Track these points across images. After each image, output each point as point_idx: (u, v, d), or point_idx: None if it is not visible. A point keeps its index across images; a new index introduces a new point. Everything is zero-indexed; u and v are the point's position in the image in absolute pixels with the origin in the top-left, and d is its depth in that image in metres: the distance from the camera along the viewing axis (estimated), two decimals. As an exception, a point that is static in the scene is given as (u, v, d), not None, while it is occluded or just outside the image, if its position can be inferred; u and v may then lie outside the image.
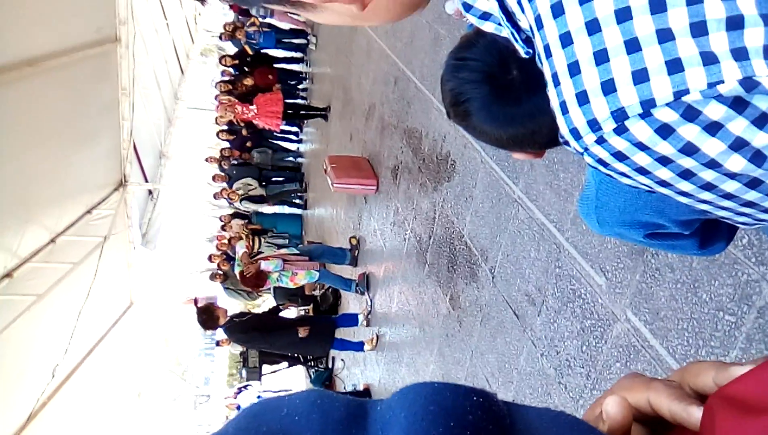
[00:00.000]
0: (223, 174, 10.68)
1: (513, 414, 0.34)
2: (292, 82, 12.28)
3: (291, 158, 12.36)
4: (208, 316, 5.96)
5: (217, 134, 11.27)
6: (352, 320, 6.55)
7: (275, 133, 12.03)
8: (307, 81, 12.41)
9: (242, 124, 10.35)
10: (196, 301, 6.21)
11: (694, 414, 0.41)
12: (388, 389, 5.72)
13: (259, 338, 6.33)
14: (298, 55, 12.74)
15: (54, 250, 5.80)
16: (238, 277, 6.49)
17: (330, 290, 8.13)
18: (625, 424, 0.43)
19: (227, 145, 11.37)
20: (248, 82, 10.80)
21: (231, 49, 12.02)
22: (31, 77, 4.52)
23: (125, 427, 8.91)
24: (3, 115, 4.32)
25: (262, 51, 11.56)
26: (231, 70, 11.48)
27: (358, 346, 6.35)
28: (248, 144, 11.12)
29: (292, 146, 12.86)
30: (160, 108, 9.63)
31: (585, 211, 1.29)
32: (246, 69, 11.21)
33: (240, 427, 0.32)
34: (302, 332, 6.06)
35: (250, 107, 9.46)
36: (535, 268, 2.98)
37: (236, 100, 9.75)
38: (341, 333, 6.63)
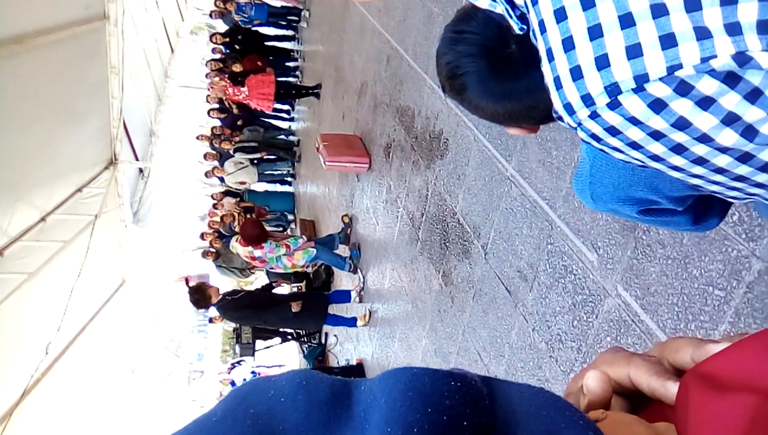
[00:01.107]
0: (214, 152, 10.62)
1: (494, 392, 0.35)
2: (284, 62, 12.16)
3: (283, 136, 12.29)
4: (200, 295, 5.93)
5: (208, 112, 11.19)
6: (344, 296, 6.57)
7: (267, 112, 11.95)
8: (299, 59, 12.30)
9: (233, 106, 10.25)
10: (187, 281, 6.15)
11: (670, 389, 0.42)
12: (381, 364, 5.78)
13: (253, 315, 6.31)
14: (290, 33, 12.61)
15: (44, 228, 5.76)
16: (236, 237, 6.43)
17: (322, 267, 8.15)
18: (605, 397, 0.44)
19: (218, 123, 11.29)
20: (237, 68, 10.67)
21: (221, 27, 11.88)
22: (18, 55, 4.45)
23: (119, 403, 8.95)
24: (-9, 93, 4.27)
25: (253, 28, 11.42)
26: (221, 48, 11.36)
27: (351, 322, 6.39)
28: (239, 122, 11.04)
29: (284, 125, 12.79)
30: (150, 86, 9.52)
31: (579, 186, 1.30)
32: (237, 47, 11.09)
33: (228, 409, 0.33)
34: (295, 307, 6.06)
35: (242, 89, 9.33)
36: (527, 244, 3.01)
37: (228, 82, 9.60)
38: (334, 309, 6.67)
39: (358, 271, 6.44)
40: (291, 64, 12.28)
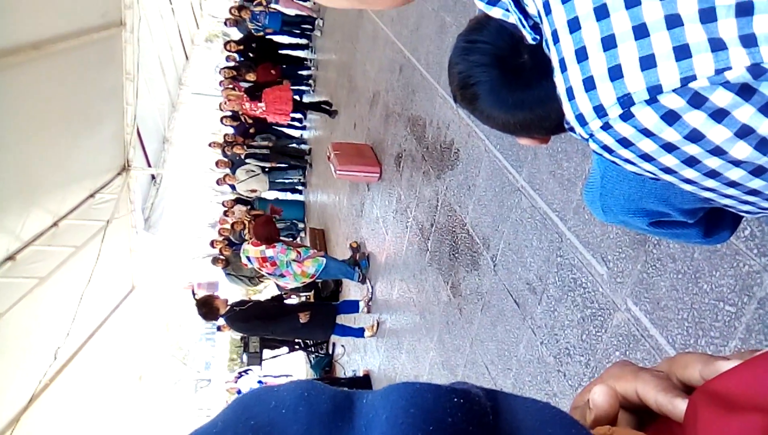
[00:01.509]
0: (226, 160, 10.67)
1: (498, 406, 0.34)
2: (297, 71, 12.24)
3: (294, 145, 12.35)
4: (207, 308, 5.91)
5: (221, 120, 11.27)
6: (353, 307, 6.55)
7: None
8: (312, 68, 12.37)
9: (250, 121, 10.17)
10: (193, 292, 6.13)
11: (678, 406, 0.41)
12: (387, 375, 5.75)
13: (261, 326, 6.29)
14: (303, 41, 12.70)
15: (57, 233, 5.81)
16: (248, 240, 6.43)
17: (331, 277, 8.16)
18: (611, 413, 0.44)
19: (231, 130, 11.36)
20: (251, 77, 10.73)
21: (236, 35, 11.97)
22: (35, 61, 4.51)
23: (127, 410, 8.97)
24: (7, 99, 4.31)
25: (267, 36, 11.51)
26: (235, 55, 11.44)
27: (359, 333, 6.36)
28: (251, 130, 11.11)
29: (296, 133, 12.85)
30: (164, 93, 9.60)
31: (590, 198, 1.29)
32: (251, 55, 11.17)
33: (228, 420, 0.33)
34: (303, 317, 6.04)
35: (259, 104, 9.17)
36: (537, 256, 2.99)
37: (245, 96, 9.48)
38: (342, 319, 6.65)
39: (367, 281, 6.42)
40: (304, 72, 12.35)
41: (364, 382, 6.49)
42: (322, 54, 11.60)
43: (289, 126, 12.49)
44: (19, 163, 4.78)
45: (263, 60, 11.02)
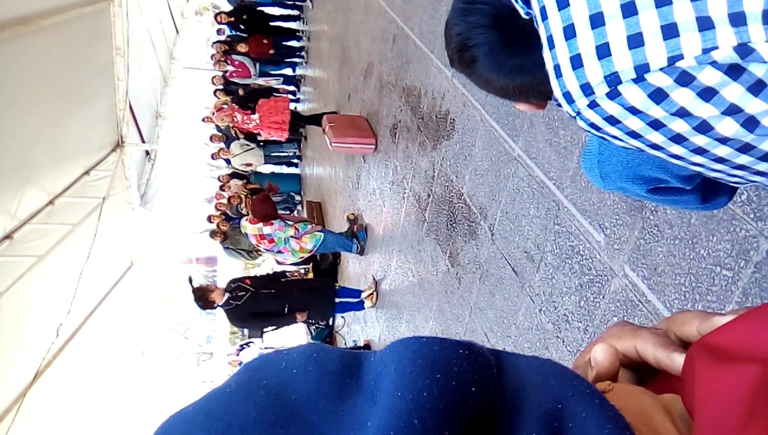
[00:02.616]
0: (220, 134, 10.61)
1: (501, 362, 0.35)
2: (288, 43, 12.10)
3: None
4: (202, 300, 5.88)
5: (214, 93, 11.17)
6: (353, 294, 6.51)
7: (273, 94, 11.91)
8: (304, 39, 12.23)
9: (240, 134, 9.28)
10: (191, 281, 6.07)
11: (676, 360, 0.43)
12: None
13: (258, 324, 6.30)
14: (295, 12, 12.53)
15: (53, 211, 5.81)
16: (246, 217, 6.39)
17: (329, 250, 8.17)
18: (612, 370, 0.46)
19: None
20: (242, 48, 10.57)
21: (226, 6, 11.80)
22: (24, 37, 4.45)
23: (130, 384, 9.07)
24: (-4, 76, 4.27)
25: (258, 7, 11.35)
26: (226, 27, 11.29)
27: (359, 306, 6.37)
28: (247, 102, 11.02)
29: (291, 106, 12.75)
30: (155, 68, 9.50)
31: (588, 165, 1.29)
32: (242, 27, 11.03)
33: (241, 381, 0.34)
34: (300, 317, 6.04)
35: (252, 117, 8.29)
36: (534, 225, 3.00)
37: (236, 107, 8.76)
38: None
39: (372, 277, 6.37)
40: (296, 44, 12.21)
41: (359, 351, 6.56)
42: (314, 25, 11.46)
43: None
44: (12, 142, 4.75)
45: (255, 32, 10.89)
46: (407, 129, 5.15)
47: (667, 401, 0.41)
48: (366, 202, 6.61)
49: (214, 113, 8.98)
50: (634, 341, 0.47)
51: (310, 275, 8.47)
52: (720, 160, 0.67)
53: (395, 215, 5.43)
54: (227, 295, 5.85)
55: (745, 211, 1.79)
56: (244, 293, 5.95)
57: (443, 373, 0.31)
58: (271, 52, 11.04)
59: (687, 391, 0.39)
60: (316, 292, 6.38)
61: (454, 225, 4.04)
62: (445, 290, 4.20)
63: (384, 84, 5.99)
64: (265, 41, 10.67)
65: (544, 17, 0.63)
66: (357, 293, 6.44)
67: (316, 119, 8.03)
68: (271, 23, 11.76)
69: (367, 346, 6.60)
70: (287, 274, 8.16)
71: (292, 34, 12.35)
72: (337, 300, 6.44)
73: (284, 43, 11.89)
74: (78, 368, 6.85)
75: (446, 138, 4.21)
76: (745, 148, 0.63)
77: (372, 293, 6.15)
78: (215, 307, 5.94)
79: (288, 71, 12.24)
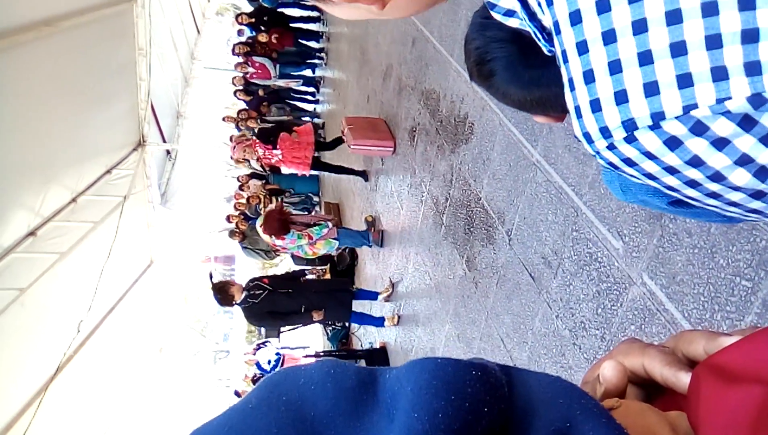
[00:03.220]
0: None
1: (512, 380, 0.36)
2: (308, 43, 12.16)
3: (307, 118, 12.33)
4: (222, 294, 5.95)
5: (234, 94, 11.26)
6: (371, 296, 6.47)
7: (292, 94, 11.99)
8: (324, 40, 12.28)
9: (265, 167, 8.98)
10: (211, 277, 6.14)
11: (683, 379, 0.44)
12: (404, 348, 5.82)
13: (275, 323, 6.35)
14: (315, 14, 12.59)
15: (75, 209, 5.89)
16: (261, 221, 6.41)
17: (347, 250, 8.19)
18: (620, 386, 0.46)
19: (244, 105, 11.37)
20: (262, 38, 10.62)
21: (247, 7, 11.89)
22: (48, 37, 4.52)
23: (148, 380, 9.18)
24: (21, 77, 4.34)
25: (279, 8, 11.42)
26: (246, 28, 11.38)
27: (379, 322, 6.33)
28: (265, 103, 11.11)
29: (309, 107, 12.82)
30: (176, 68, 9.60)
31: (609, 178, 1.29)
32: (262, 28, 11.11)
33: (262, 397, 0.35)
34: (317, 316, 6.04)
35: (274, 151, 7.80)
36: (552, 231, 2.99)
37: (257, 140, 8.26)
38: (360, 306, 6.63)
39: (389, 279, 6.34)
40: (315, 45, 12.27)
41: (380, 353, 6.56)
42: (334, 26, 11.50)
43: (302, 99, 12.46)
44: (36, 141, 4.83)
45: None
46: (426, 132, 5.16)
47: (673, 418, 0.42)
48: (384, 204, 6.62)
49: (234, 147, 8.59)
50: (642, 359, 0.48)
51: (328, 276, 8.50)
52: (733, 204, 0.68)
53: (413, 218, 5.44)
54: (245, 292, 5.91)
55: (766, 222, 1.78)
56: (261, 292, 6.00)
57: (457, 394, 0.32)
58: (291, 48, 11.08)
59: (692, 409, 0.40)
60: (334, 294, 6.38)
61: (471, 229, 4.04)
62: (462, 294, 4.19)
63: (403, 86, 6.00)
64: (285, 35, 10.73)
65: (565, 60, 0.65)
66: (374, 295, 6.44)
67: (336, 142, 7.91)
68: (292, 24, 11.83)
69: (382, 349, 6.61)
70: (306, 272, 8.19)
71: (313, 35, 12.41)
72: (357, 309, 6.42)
73: (304, 42, 11.95)
74: (98, 363, 6.94)
75: (465, 142, 4.21)
76: (758, 195, 0.64)
77: (393, 317, 6.10)
78: (233, 305, 6.00)
79: (308, 72, 12.30)
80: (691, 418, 0.41)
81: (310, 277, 8.22)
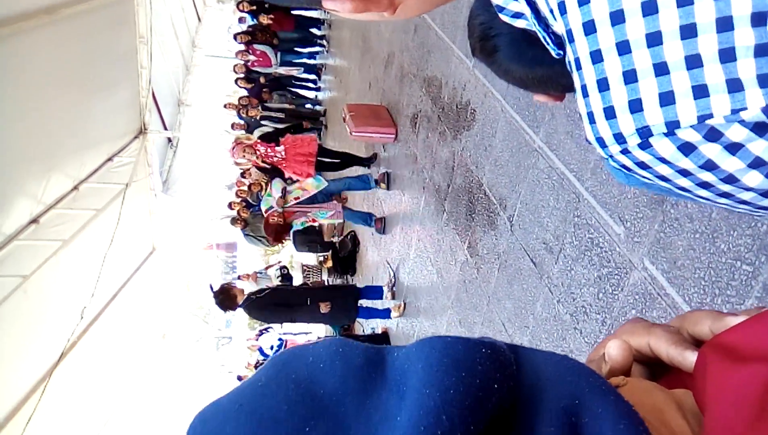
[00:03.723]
0: (242, 122, 10.67)
1: (519, 359, 0.37)
2: (311, 30, 12.10)
3: (309, 105, 12.30)
4: (225, 296, 5.91)
5: (236, 81, 11.22)
6: (376, 292, 6.39)
7: (294, 82, 11.94)
8: (326, 27, 12.22)
9: (267, 166, 8.71)
10: (211, 288, 6.12)
11: (689, 358, 0.44)
12: (406, 333, 5.84)
13: (279, 313, 6.23)
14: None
15: (77, 197, 5.90)
16: (264, 213, 6.40)
17: (349, 237, 8.20)
18: (625, 365, 0.47)
19: (245, 92, 11.33)
20: (264, 19, 10.55)
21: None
22: (48, 25, 4.51)
23: (152, 366, 9.23)
24: (22, 65, 4.33)
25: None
26: (248, 15, 11.32)
27: (385, 314, 6.25)
28: (266, 90, 11.07)
29: (311, 94, 12.77)
30: (177, 56, 9.57)
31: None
32: (264, 15, 11.06)
33: (271, 375, 0.36)
34: (324, 308, 5.95)
35: (277, 148, 7.43)
36: (554, 216, 3.00)
37: (258, 141, 7.92)
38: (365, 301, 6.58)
39: (389, 266, 6.32)
40: (317, 32, 12.21)
41: (382, 338, 6.59)
42: (336, 14, 11.43)
43: (304, 87, 12.41)
44: (38, 129, 4.83)
45: (276, 19, 10.93)
46: (428, 119, 5.15)
47: (679, 396, 0.42)
48: (385, 191, 6.62)
49: (233, 147, 7.91)
50: (647, 338, 0.48)
51: (329, 263, 8.52)
52: (744, 202, 0.70)
53: (415, 205, 5.44)
54: (248, 294, 5.94)
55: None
56: (266, 289, 6.11)
57: (468, 371, 0.33)
58: (292, 33, 11.03)
59: (699, 388, 0.41)
60: (338, 295, 6.38)
61: (473, 215, 4.05)
62: (464, 280, 4.21)
63: (405, 74, 5.98)
64: (286, 19, 10.68)
65: (579, 67, 0.66)
66: (379, 290, 6.36)
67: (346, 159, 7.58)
68: (293, 11, 11.77)
69: (384, 334, 6.64)
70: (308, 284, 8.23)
71: (315, 22, 12.35)
72: (361, 303, 6.38)
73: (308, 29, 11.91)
74: (101, 350, 6.98)
75: (466, 128, 4.21)
76: None
77: (399, 306, 6.05)
78: (236, 307, 5.99)
79: (309, 60, 12.26)
80: (697, 396, 0.41)
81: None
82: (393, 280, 6.19)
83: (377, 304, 6.44)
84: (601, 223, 2.60)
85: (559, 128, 2.97)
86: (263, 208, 6.39)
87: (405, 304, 5.96)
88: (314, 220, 6.36)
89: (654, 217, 2.27)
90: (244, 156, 7.45)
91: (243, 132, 10.48)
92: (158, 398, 9.78)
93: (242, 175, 10.81)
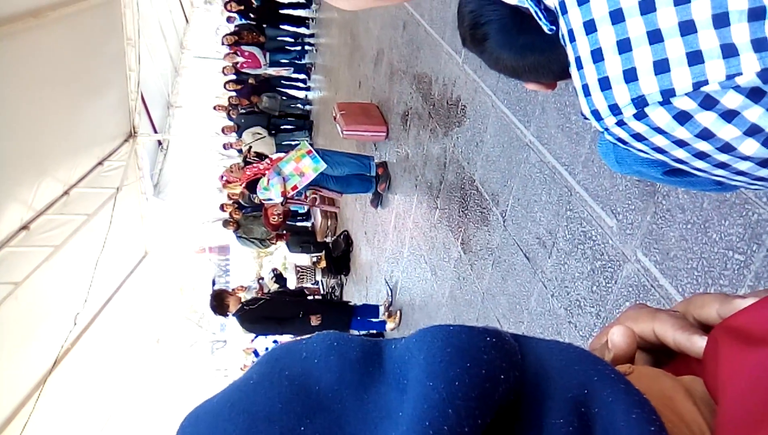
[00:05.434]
0: (232, 124, 10.63)
1: (524, 348, 0.35)
2: (299, 30, 12.07)
3: (299, 105, 12.26)
4: (218, 302, 5.85)
5: (225, 85, 11.18)
6: (372, 312, 6.22)
7: (283, 82, 11.91)
8: (314, 26, 12.20)
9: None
10: (214, 281, 6.09)
11: (697, 343, 0.42)
12: (400, 331, 5.84)
13: (270, 327, 6.16)
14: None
15: (68, 202, 5.87)
16: (262, 202, 6.28)
17: (342, 237, 8.19)
18: (629, 352, 0.45)
19: (234, 94, 11.29)
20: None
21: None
22: (36, 29, 4.48)
23: (146, 371, 9.19)
24: (9, 68, 4.30)
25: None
26: (236, 15, 11.28)
27: (380, 326, 6.12)
28: (254, 97, 11.04)
29: (300, 94, 12.74)
30: (166, 58, 9.54)
31: (604, 150, 1.29)
32: (252, 15, 11.02)
33: (263, 372, 0.34)
34: (315, 321, 5.87)
35: (263, 160, 7.15)
36: (546, 211, 3.00)
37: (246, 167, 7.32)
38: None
39: (387, 285, 6.19)
40: (305, 31, 12.18)
41: (377, 335, 6.58)
42: (324, 12, 11.41)
43: (293, 86, 12.38)
44: (27, 133, 4.80)
45: (265, 19, 10.88)
46: (418, 116, 5.15)
47: (688, 383, 0.41)
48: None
49: (223, 176, 7.61)
50: (652, 323, 0.47)
51: (323, 263, 8.50)
52: (741, 173, 0.69)
53: (407, 202, 5.44)
54: (242, 304, 5.86)
55: (758, 195, 1.79)
56: (261, 300, 6.03)
57: (473, 361, 0.31)
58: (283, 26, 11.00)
59: (710, 373, 0.39)
60: (331, 311, 6.32)
61: (466, 211, 4.05)
62: (458, 276, 4.21)
63: (395, 71, 5.98)
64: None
65: (572, 39, 0.65)
66: (375, 310, 6.19)
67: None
68: (281, 11, 11.74)
69: (379, 334, 6.62)
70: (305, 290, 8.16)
71: (302, 21, 12.31)
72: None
73: (295, 29, 11.87)
74: (95, 355, 6.95)
75: (457, 124, 4.21)
76: (766, 163, 0.65)
77: (395, 316, 5.94)
78: (227, 315, 5.92)
79: (297, 59, 12.22)
80: (708, 382, 0.40)
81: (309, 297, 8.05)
82: (390, 299, 6.05)
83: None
84: (594, 216, 2.60)
85: (550, 122, 2.97)
86: (261, 197, 6.18)
87: (401, 312, 5.84)
88: (295, 187, 5.99)
89: (646, 208, 2.27)
90: (234, 178, 7.22)
91: (234, 134, 10.44)
92: (154, 404, 9.74)
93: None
